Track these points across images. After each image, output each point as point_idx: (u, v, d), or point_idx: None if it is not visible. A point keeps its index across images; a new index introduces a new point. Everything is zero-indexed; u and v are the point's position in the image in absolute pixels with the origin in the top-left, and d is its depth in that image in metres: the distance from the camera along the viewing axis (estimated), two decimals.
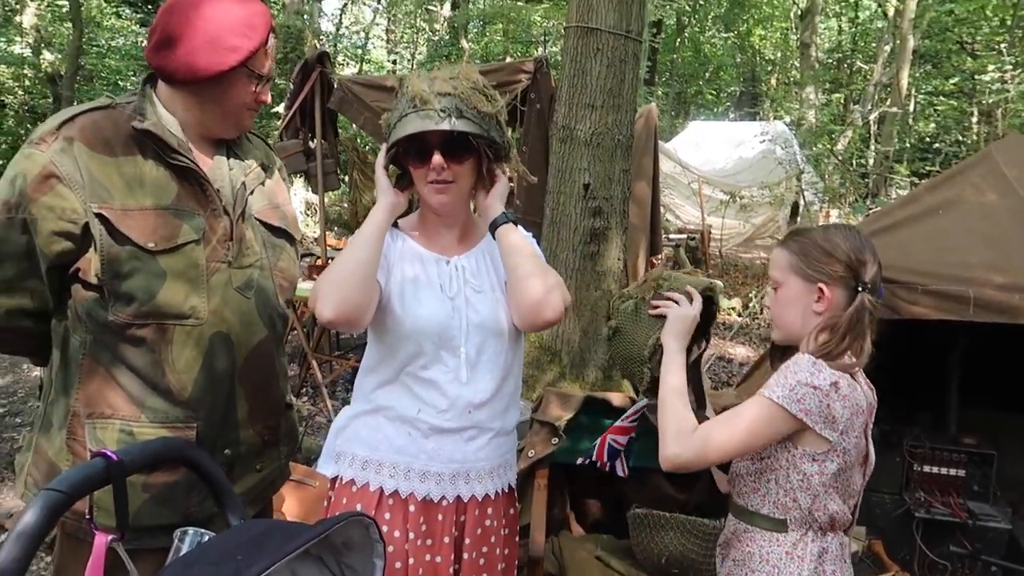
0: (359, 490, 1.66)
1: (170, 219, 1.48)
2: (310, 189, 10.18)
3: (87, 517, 0.99)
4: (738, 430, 1.49)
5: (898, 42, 15.92)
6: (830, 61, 22.92)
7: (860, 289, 1.53)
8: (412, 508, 1.65)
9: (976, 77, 14.54)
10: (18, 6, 13.93)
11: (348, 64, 20.48)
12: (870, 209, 10.33)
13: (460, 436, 1.66)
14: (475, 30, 22.50)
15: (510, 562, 1.81)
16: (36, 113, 14.18)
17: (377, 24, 23.40)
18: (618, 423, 2.68)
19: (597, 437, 2.70)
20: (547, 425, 2.74)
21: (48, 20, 15.07)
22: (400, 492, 1.65)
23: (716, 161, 14.44)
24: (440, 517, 1.67)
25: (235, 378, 1.57)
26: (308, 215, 12.84)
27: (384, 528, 1.62)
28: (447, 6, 21.05)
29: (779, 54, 26.15)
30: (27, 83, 14.46)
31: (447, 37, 20.39)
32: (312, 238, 10.75)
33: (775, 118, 16.50)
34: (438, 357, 1.64)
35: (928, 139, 17.56)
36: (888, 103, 15.90)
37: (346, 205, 10.41)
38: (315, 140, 6.00)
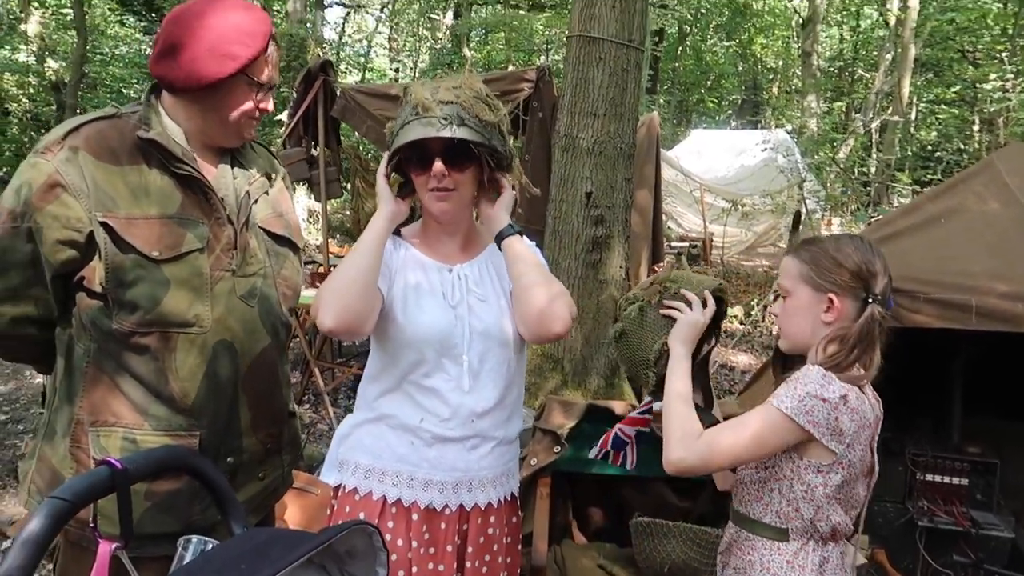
0: (362, 499, 1.66)
1: (174, 228, 1.49)
2: (313, 197, 10.21)
3: (91, 525, 0.99)
4: (744, 437, 1.48)
5: (899, 51, 15.98)
6: (832, 69, 22.96)
7: (870, 300, 1.52)
8: (415, 517, 1.65)
9: (978, 86, 14.57)
10: (23, 14, 14.00)
11: (351, 72, 20.60)
12: (872, 217, 10.31)
13: (463, 445, 1.66)
14: (477, 39, 22.60)
15: (513, 571, 1.81)
16: (40, 121, 14.25)
17: (380, 32, 23.54)
18: (630, 415, 2.66)
19: None
20: (549, 433, 2.73)
21: (52, 28, 15.18)
22: (403, 501, 1.65)
23: (718, 169, 14.48)
24: (443, 526, 1.66)
25: (238, 386, 1.58)
26: (311, 223, 12.88)
27: (387, 537, 1.62)
28: (450, 15, 21.13)
29: (780, 62, 26.22)
30: (31, 91, 14.55)
31: (449, 45, 20.47)
32: (315, 246, 10.76)
33: (777, 126, 16.49)
34: (440, 365, 1.64)
35: (930, 147, 17.54)
36: (890, 111, 15.93)
37: (348, 213, 10.45)
38: (318, 148, 6.02)
